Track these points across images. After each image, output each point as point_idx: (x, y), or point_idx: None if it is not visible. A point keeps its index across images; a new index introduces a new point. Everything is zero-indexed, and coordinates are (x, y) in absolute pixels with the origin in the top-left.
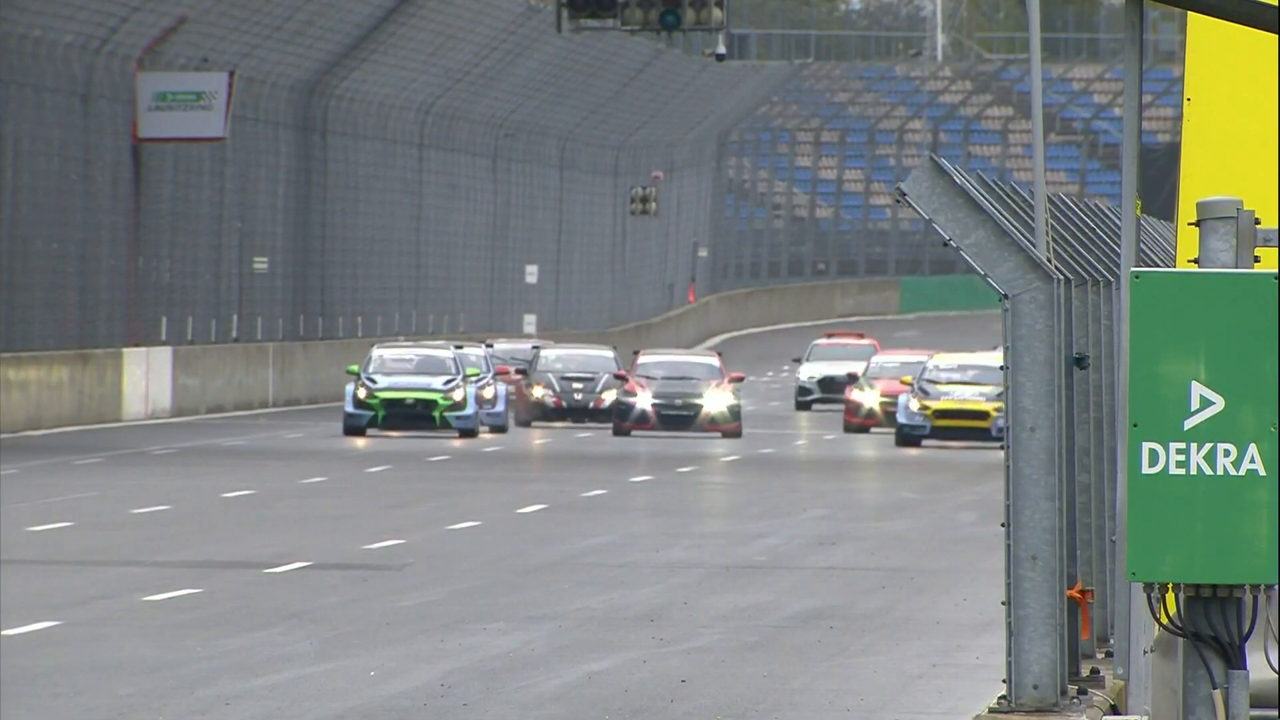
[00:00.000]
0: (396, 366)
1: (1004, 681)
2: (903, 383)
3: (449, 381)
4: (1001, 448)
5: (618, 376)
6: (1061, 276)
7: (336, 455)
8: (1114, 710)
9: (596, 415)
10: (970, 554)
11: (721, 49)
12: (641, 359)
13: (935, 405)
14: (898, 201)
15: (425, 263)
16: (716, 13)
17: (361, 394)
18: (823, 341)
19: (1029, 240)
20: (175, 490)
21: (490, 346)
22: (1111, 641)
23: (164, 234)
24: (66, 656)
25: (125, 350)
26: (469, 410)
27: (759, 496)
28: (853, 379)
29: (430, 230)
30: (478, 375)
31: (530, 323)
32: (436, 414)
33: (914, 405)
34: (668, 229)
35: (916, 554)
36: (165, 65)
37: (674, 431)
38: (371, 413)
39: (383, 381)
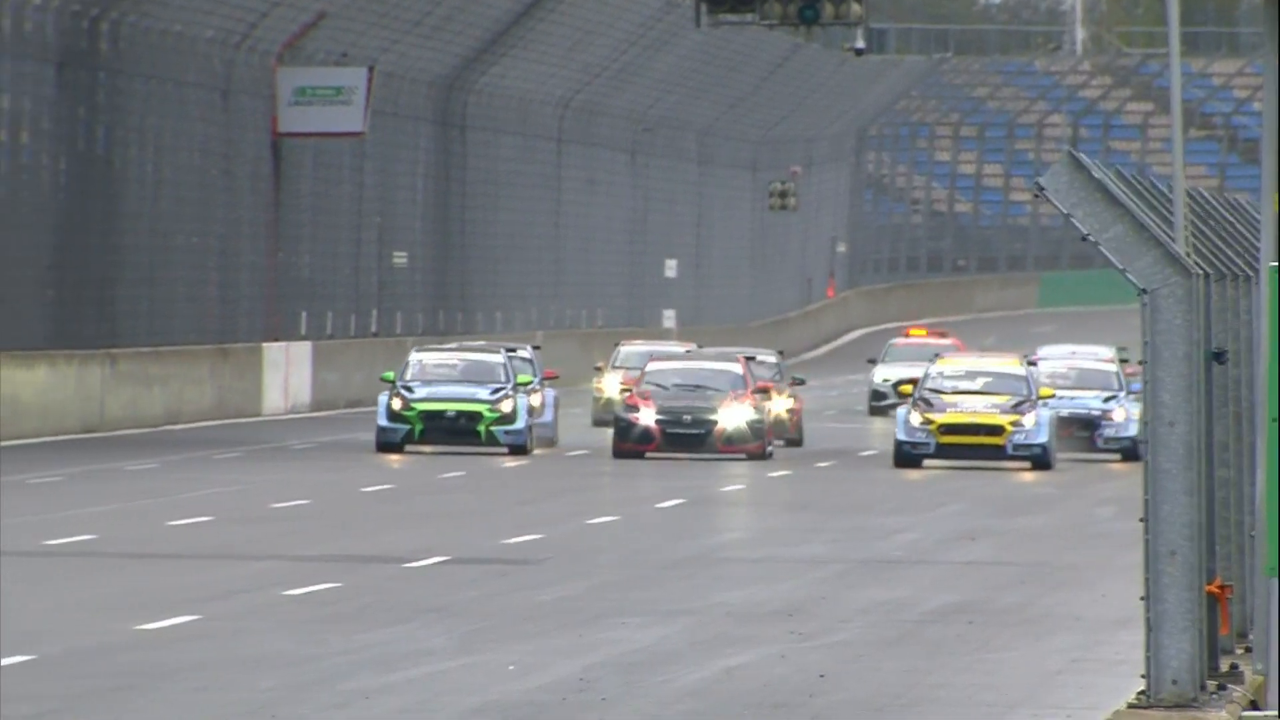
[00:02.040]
0: (437, 374)
1: (1143, 677)
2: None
3: (497, 390)
4: (1018, 468)
5: (623, 387)
6: (1200, 271)
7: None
8: (1253, 705)
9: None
10: (1109, 549)
11: (861, 43)
12: (651, 366)
13: (940, 419)
14: (1036, 196)
15: (564, 258)
16: (855, 7)
17: (396, 405)
18: (900, 341)
19: (1168, 235)
20: (315, 485)
21: (538, 348)
22: (1251, 637)
23: (304, 229)
24: (207, 651)
25: (265, 345)
26: (519, 424)
27: (896, 492)
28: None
29: (569, 225)
30: (529, 384)
31: (670, 317)
32: (482, 428)
33: (915, 419)
34: (806, 224)
35: (1056, 549)
36: (305, 60)
37: (683, 453)
38: (408, 426)
39: (421, 391)
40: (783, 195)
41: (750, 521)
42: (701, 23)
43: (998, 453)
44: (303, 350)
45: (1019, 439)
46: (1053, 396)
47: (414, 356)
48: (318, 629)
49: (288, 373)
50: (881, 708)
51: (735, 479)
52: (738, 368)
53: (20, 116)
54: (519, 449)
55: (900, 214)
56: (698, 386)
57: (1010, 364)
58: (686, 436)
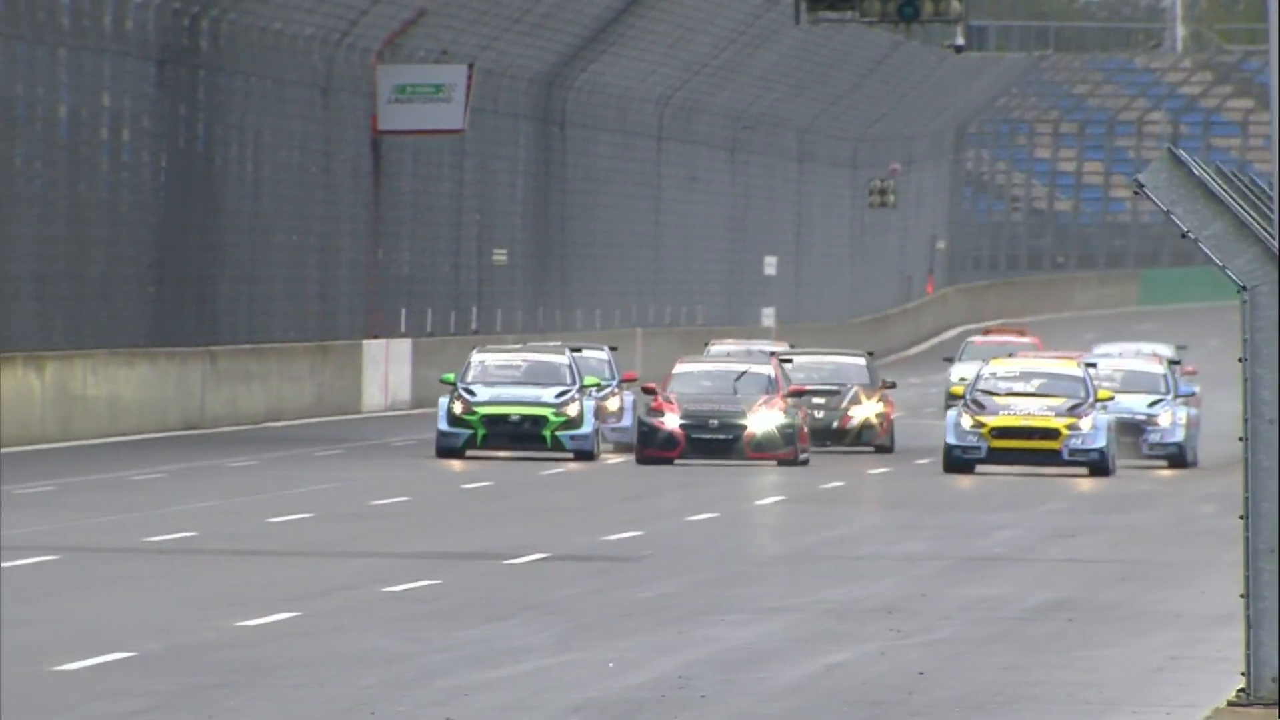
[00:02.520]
0: (500, 375)
1: (1242, 674)
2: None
3: (563, 394)
4: (1074, 474)
5: (646, 390)
6: None
7: None
8: None
9: (841, 437)
10: (1210, 546)
11: (960, 41)
12: (678, 368)
13: (992, 422)
14: (1136, 193)
15: (664, 255)
16: (955, 4)
17: (458, 409)
18: (978, 339)
19: (1268, 232)
20: (415, 482)
21: (614, 348)
22: None
23: (404, 226)
24: (307, 647)
25: (364, 342)
26: (586, 428)
27: (997, 488)
28: None
29: (669, 223)
30: (598, 385)
31: (769, 315)
32: (547, 433)
33: (966, 422)
34: (906, 221)
35: (1156, 546)
36: (405, 58)
37: (710, 459)
38: (470, 431)
39: (483, 394)
40: (882, 193)
41: (850, 518)
42: (801, 20)
43: (1053, 458)
44: (403, 347)
45: (1075, 443)
46: (1111, 399)
47: (475, 357)
48: (417, 626)
49: (387, 370)
50: (980, 705)
51: (835, 476)
52: (769, 370)
53: (121, 114)
54: (585, 455)
55: (1000, 211)
56: (726, 390)
57: (1067, 365)
58: (713, 442)
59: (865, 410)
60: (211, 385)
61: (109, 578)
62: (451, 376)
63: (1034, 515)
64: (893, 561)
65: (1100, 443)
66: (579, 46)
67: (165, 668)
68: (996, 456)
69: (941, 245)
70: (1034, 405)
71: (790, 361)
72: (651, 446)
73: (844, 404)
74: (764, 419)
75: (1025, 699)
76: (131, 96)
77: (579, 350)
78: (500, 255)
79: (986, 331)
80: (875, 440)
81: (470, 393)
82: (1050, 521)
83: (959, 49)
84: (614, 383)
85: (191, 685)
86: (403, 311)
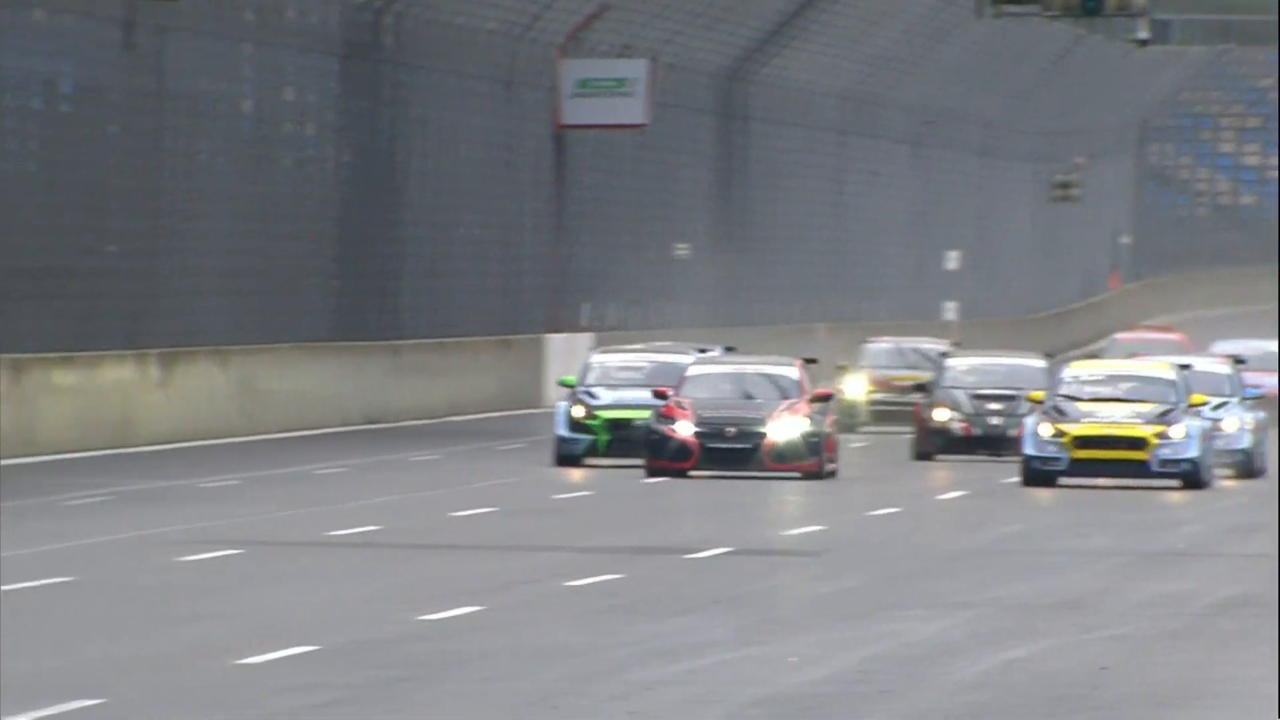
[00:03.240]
0: (622, 378)
1: None
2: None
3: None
4: (1165, 486)
5: (657, 394)
6: None
7: None
8: None
9: (1017, 445)
10: None
11: (1144, 34)
12: (692, 370)
13: (1074, 431)
14: None
15: (846, 250)
16: None
17: (579, 413)
18: (1124, 335)
19: None
20: (598, 476)
21: (731, 349)
22: None
23: (586, 220)
24: (490, 641)
25: (547, 336)
26: None
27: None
28: None
29: (851, 217)
30: None
31: (951, 309)
32: None
33: (1046, 431)
34: (1089, 216)
35: None
36: (587, 52)
37: (726, 470)
38: (591, 437)
39: (605, 397)
40: (1065, 187)
41: (1032, 514)
42: (983, 14)
43: (1141, 469)
44: (585, 342)
45: (1165, 453)
46: (1205, 404)
47: (595, 359)
48: (599, 620)
49: (570, 364)
50: (1164, 701)
51: (1017, 473)
52: (794, 372)
53: (305, 109)
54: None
55: (1184, 206)
56: (744, 395)
57: (1158, 367)
58: (730, 452)
59: None
60: (394, 379)
61: (292, 572)
62: (571, 379)
63: (1218, 510)
64: (1075, 556)
65: (1193, 452)
66: (761, 41)
67: (348, 661)
68: (1079, 468)
69: (1126, 240)
70: (1120, 412)
71: (952, 356)
72: (662, 457)
73: (1021, 411)
74: (786, 426)
75: (1210, 695)
76: (315, 92)
77: (705, 350)
78: (682, 249)
79: (1131, 327)
80: None
81: (591, 396)
82: (1234, 517)
83: (1143, 43)
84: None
85: (374, 679)
86: (585, 306)
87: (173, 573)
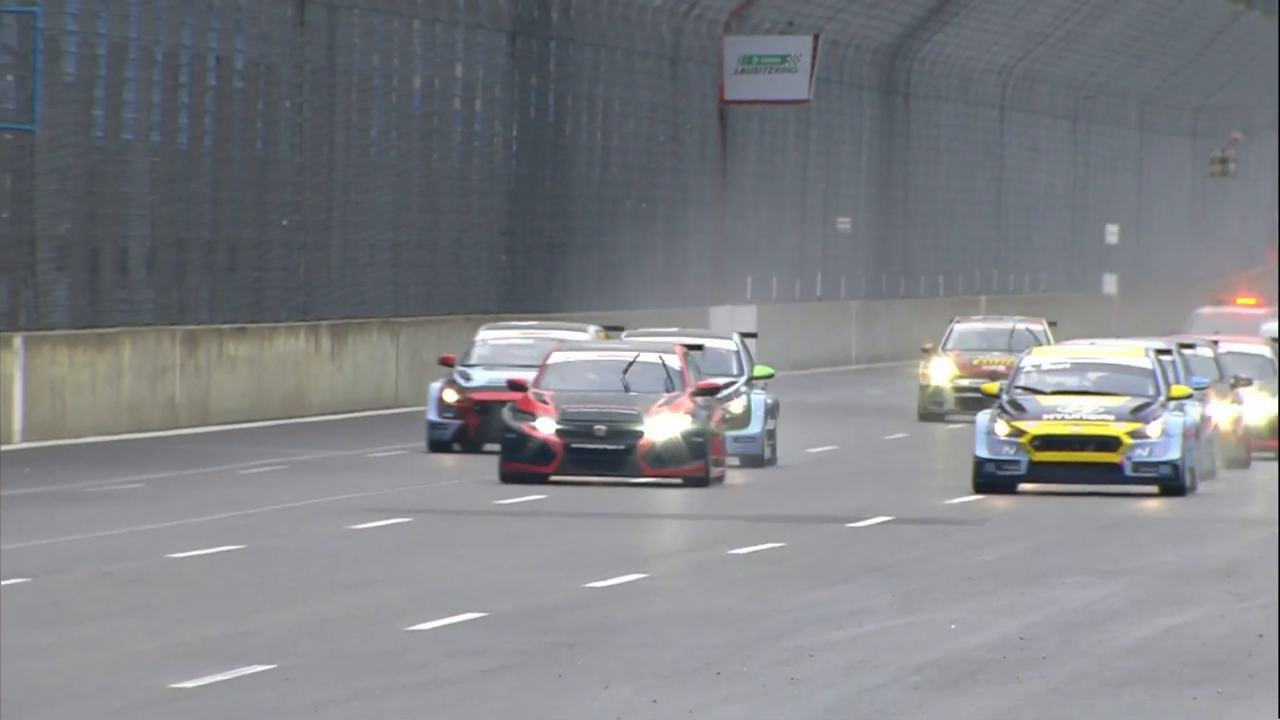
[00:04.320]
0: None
1: None
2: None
3: (726, 386)
4: (1144, 493)
5: (513, 385)
6: None
7: (915, 411)
8: None
9: None
10: None
11: None
12: (555, 357)
13: (1034, 429)
14: None
15: (1006, 223)
16: None
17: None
18: (1208, 310)
19: None
20: None
21: (751, 335)
22: None
23: (749, 195)
24: (655, 607)
25: (711, 308)
26: (754, 428)
27: None
28: None
29: (1011, 191)
30: (770, 376)
31: (1110, 282)
32: None
33: (1001, 429)
34: (1246, 190)
35: None
36: (751, 29)
37: (594, 475)
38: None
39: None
40: (1223, 162)
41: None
42: None
43: (1113, 473)
44: (748, 313)
45: (1140, 455)
46: (1189, 396)
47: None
48: (763, 587)
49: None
50: None
51: None
52: (674, 361)
53: (474, 85)
54: (752, 460)
55: None
56: (617, 388)
57: (1132, 354)
58: (599, 454)
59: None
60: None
61: (461, 540)
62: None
63: None
64: (1230, 525)
65: (1173, 453)
66: (923, 18)
67: (516, 627)
68: (1040, 473)
69: None
70: (1089, 407)
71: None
72: (519, 459)
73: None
74: (665, 424)
75: None
76: (484, 68)
77: (699, 348)
78: (844, 223)
79: (1217, 301)
80: (1230, 454)
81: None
82: None
83: None
84: (740, 380)
85: (542, 644)
86: (748, 279)
87: (344, 540)
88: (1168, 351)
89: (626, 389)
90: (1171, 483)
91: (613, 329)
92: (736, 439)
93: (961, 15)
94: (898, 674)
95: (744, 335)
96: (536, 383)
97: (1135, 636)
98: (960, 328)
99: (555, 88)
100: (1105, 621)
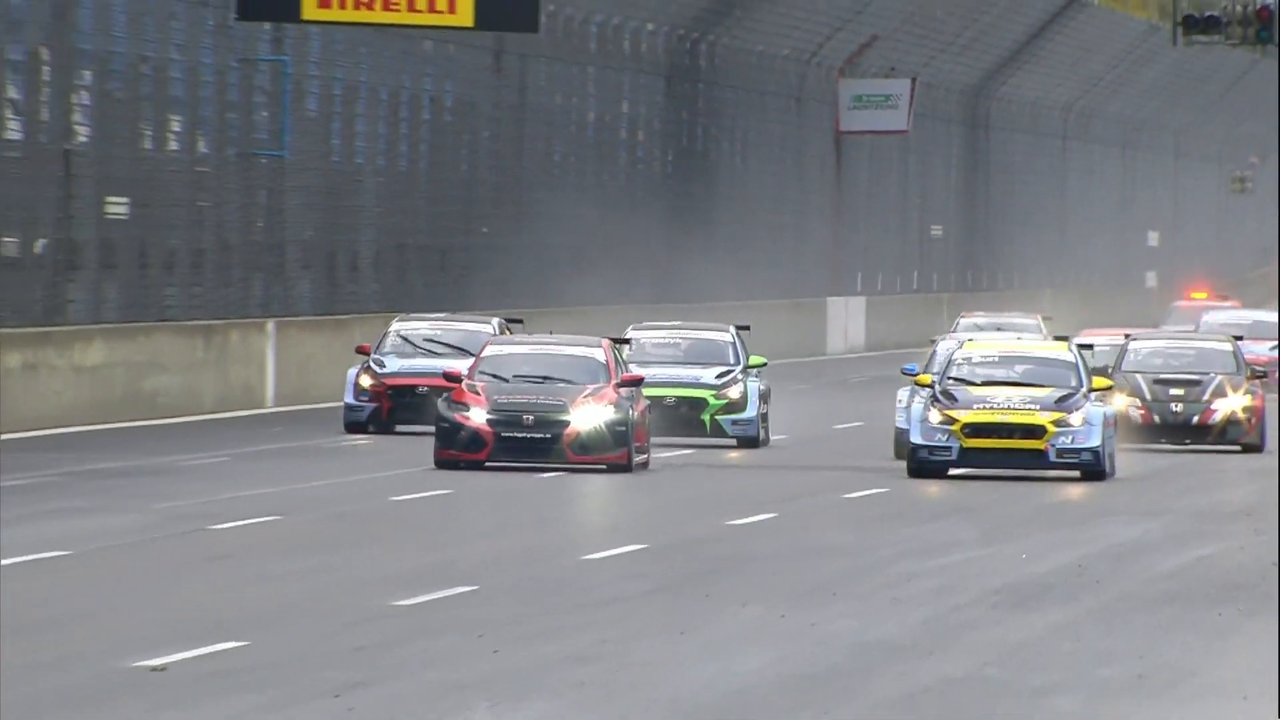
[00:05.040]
0: (658, 354)
1: None
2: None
3: (724, 374)
4: (1067, 476)
5: (448, 377)
6: None
7: None
8: None
9: (1203, 434)
10: None
11: None
12: (488, 350)
13: (965, 418)
14: None
15: (1067, 231)
16: None
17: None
18: (1183, 304)
19: None
20: (869, 410)
21: (745, 328)
22: None
23: (860, 207)
24: (780, 542)
25: (828, 299)
26: (749, 412)
27: None
28: None
29: (1071, 205)
30: (763, 365)
31: (1151, 278)
32: (706, 416)
33: (934, 417)
34: (1261, 204)
35: None
36: (861, 73)
37: (524, 462)
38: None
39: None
40: (1241, 181)
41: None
42: (1178, 42)
43: (1038, 459)
44: (859, 304)
45: (1063, 442)
46: (1110, 388)
47: (631, 334)
48: (870, 525)
49: (846, 321)
50: None
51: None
52: (600, 354)
53: (637, 119)
54: (749, 441)
55: None
56: (546, 378)
57: (1057, 348)
58: (527, 442)
59: (1230, 404)
60: None
61: (630, 486)
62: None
63: None
64: (1248, 474)
65: (1094, 441)
66: (999, 65)
67: (670, 557)
68: (970, 458)
69: None
70: (1016, 396)
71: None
72: (452, 447)
73: (1205, 396)
74: (590, 414)
75: None
76: (645, 105)
77: (746, 328)
78: (937, 230)
79: (1188, 295)
80: (1242, 438)
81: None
82: None
83: None
84: (737, 369)
85: (689, 572)
86: (859, 275)
87: (535, 486)
88: (1089, 346)
89: (554, 380)
90: (1092, 468)
91: (513, 321)
92: (735, 422)
93: (1030, 63)
94: (979, 595)
95: (738, 328)
96: (470, 374)
97: (1170, 564)
98: (965, 321)
99: (703, 121)
100: (1145, 553)
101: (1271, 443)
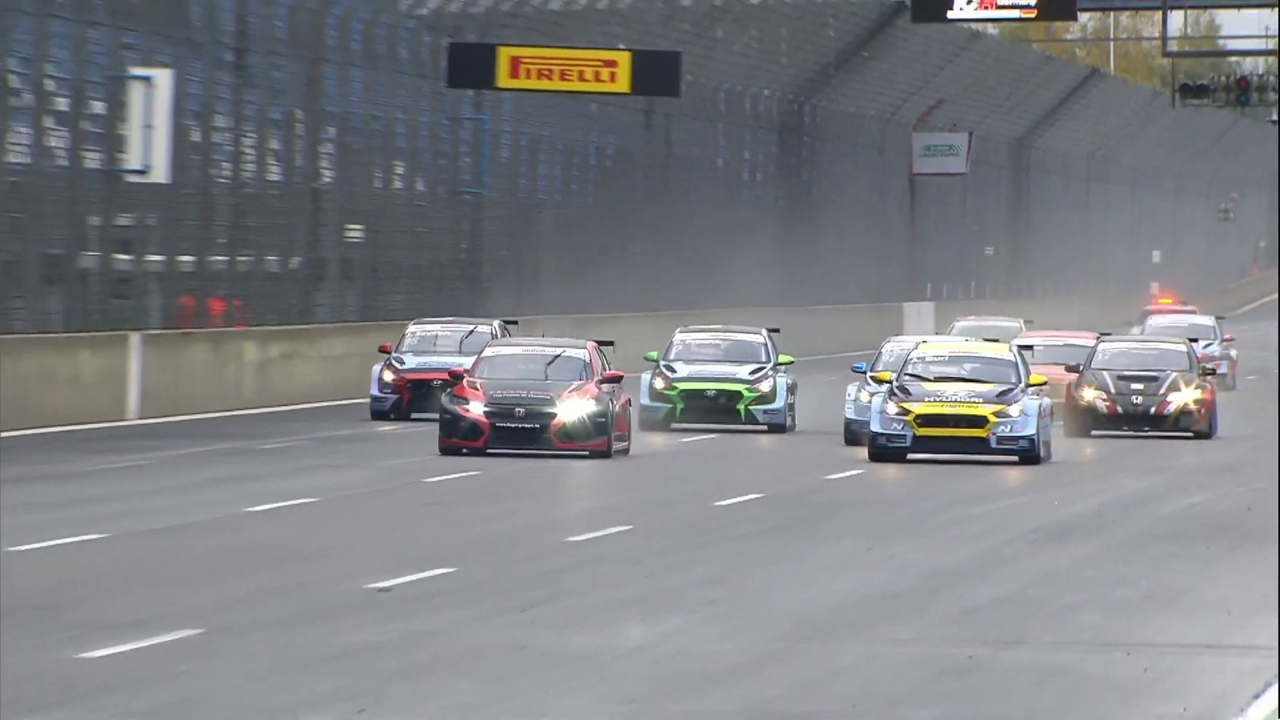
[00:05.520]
0: (700, 353)
1: None
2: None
3: (756, 370)
4: (1006, 461)
5: (453, 374)
6: None
7: None
8: None
9: (1159, 423)
10: None
11: (1274, 117)
12: (487, 351)
13: (918, 409)
14: None
15: (1090, 250)
16: (1272, 94)
17: (659, 385)
18: (1152, 307)
19: None
20: None
21: (775, 330)
22: None
23: (930, 233)
24: (865, 493)
25: (904, 304)
26: (778, 403)
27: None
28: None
29: (1094, 232)
30: (790, 363)
31: (1155, 286)
32: (741, 406)
33: (891, 409)
34: (1241, 229)
35: None
36: (929, 128)
37: (516, 449)
38: (669, 405)
39: (683, 370)
40: (1225, 212)
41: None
42: (1175, 104)
43: (981, 446)
44: (929, 307)
45: (1003, 431)
46: (1045, 384)
47: (678, 336)
48: (930, 478)
49: (919, 321)
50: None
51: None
52: (584, 354)
53: (756, 164)
54: (778, 427)
55: None
56: (537, 378)
57: (998, 349)
58: (519, 431)
59: (1183, 397)
60: (814, 326)
61: (741, 451)
62: (654, 354)
63: None
64: (1231, 439)
65: (1030, 430)
66: (1037, 122)
67: (781, 505)
68: (923, 445)
69: (1263, 244)
70: (962, 391)
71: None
72: (454, 435)
73: (1162, 390)
74: (574, 407)
75: None
76: (761, 154)
77: (776, 330)
78: (989, 250)
79: (1157, 302)
80: (1194, 426)
81: (671, 369)
82: None
83: (1275, 122)
84: (768, 366)
85: (795, 516)
86: (928, 285)
87: (681, 446)
88: (1029, 348)
89: (545, 377)
90: (1028, 454)
91: (510, 323)
92: (765, 411)
93: (1061, 121)
94: (1021, 533)
95: (770, 330)
96: (471, 371)
97: (1170, 509)
98: (960, 324)
99: (808, 167)
100: (1152, 500)
101: (1219, 430)
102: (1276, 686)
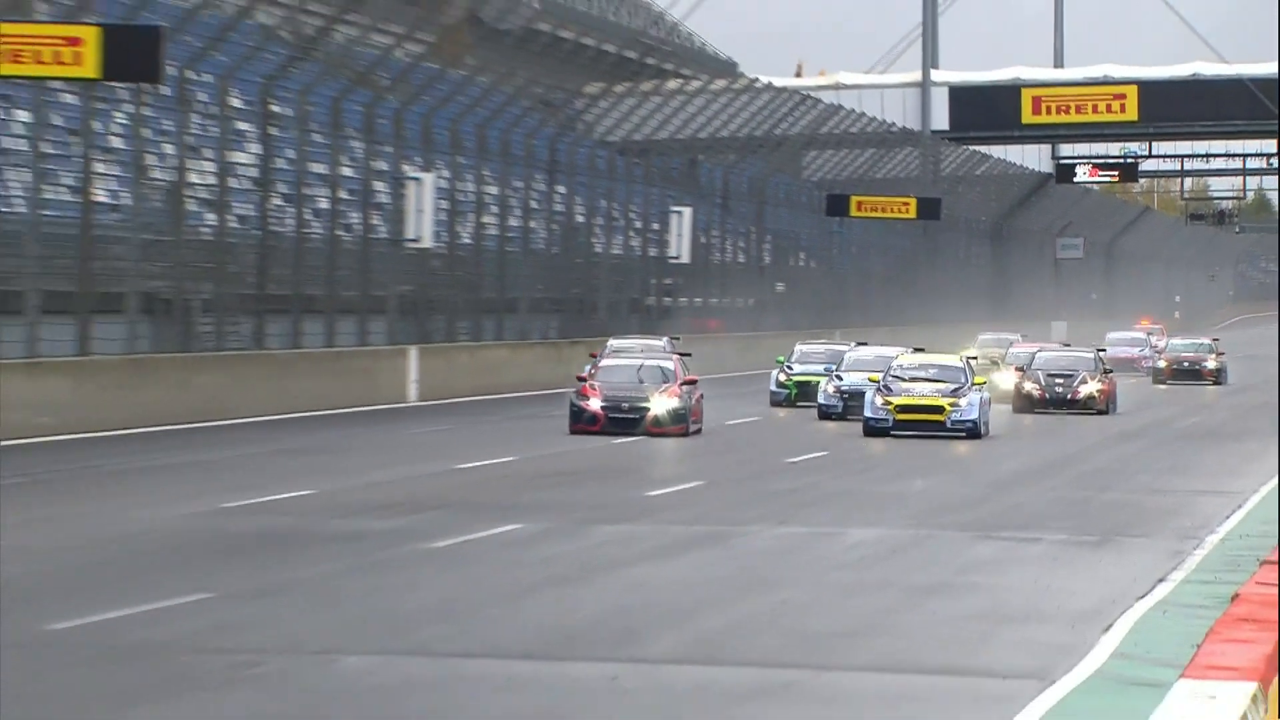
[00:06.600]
0: (812, 357)
1: None
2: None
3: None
4: (955, 437)
5: (579, 379)
6: None
7: None
8: None
9: (1073, 405)
10: None
11: (1238, 229)
12: (605, 362)
13: (896, 401)
14: None
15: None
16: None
17: (782, 377)
18: (1137, 326)
19: None
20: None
21: (677, 339)
22: None
23: (1065, 293)
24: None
25: (1052, 322)
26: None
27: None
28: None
29: (1119, 281)
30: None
31: (1177, 314)
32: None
33: (878, 401)
34: (1221, 285)
35: None
36: (1065, 234)
37: (623, 433)
38: (788, 391)
39: (797, 369)
40: (1212, 276)
41: (1148, 398)
42: (1187, 224)
43: (940, 426)
44: (1061, 325)
45: (956, 416)
46: (984, 383)
47: (798, 347)
48: (991, 445)
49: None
50: (1226, 471)
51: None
52: (670, 364)
53: (971, 259)
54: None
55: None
56: (637, 381)
57: (952, 359)
58: (625, 420)
59: (1089, 388)
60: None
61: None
62: (782, 358)
63: (1232, 403)
64: (1205, 411)
65: (974, 415)
66: (1118, 233)
67: (859, 463)
68: (900, 425)
69: (1231, 293)
70: (928, 389)
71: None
72: (580, 422)
73: (1075, 383)
74: (662, 403)
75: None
76: (977, 252)
77: (866, 342)
78: (1094, 295)
79: (1139, 323)
80: (1096, 406)
81: (790, 368)
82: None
83: (1241, 230)
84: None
85: (891, 473)
86: (1062, 307)
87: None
88: (975, 357)
89: (642, 381)
90: (973, 431)
91: (673, 339)
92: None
93: (1130, 232)
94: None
95: (858, 343)
96: (591, 376)
97: (1183, 425)
98: (983, 336)
99: (1003, 257)
100: (1129, 468)
101: (1116, 409)
102: None
